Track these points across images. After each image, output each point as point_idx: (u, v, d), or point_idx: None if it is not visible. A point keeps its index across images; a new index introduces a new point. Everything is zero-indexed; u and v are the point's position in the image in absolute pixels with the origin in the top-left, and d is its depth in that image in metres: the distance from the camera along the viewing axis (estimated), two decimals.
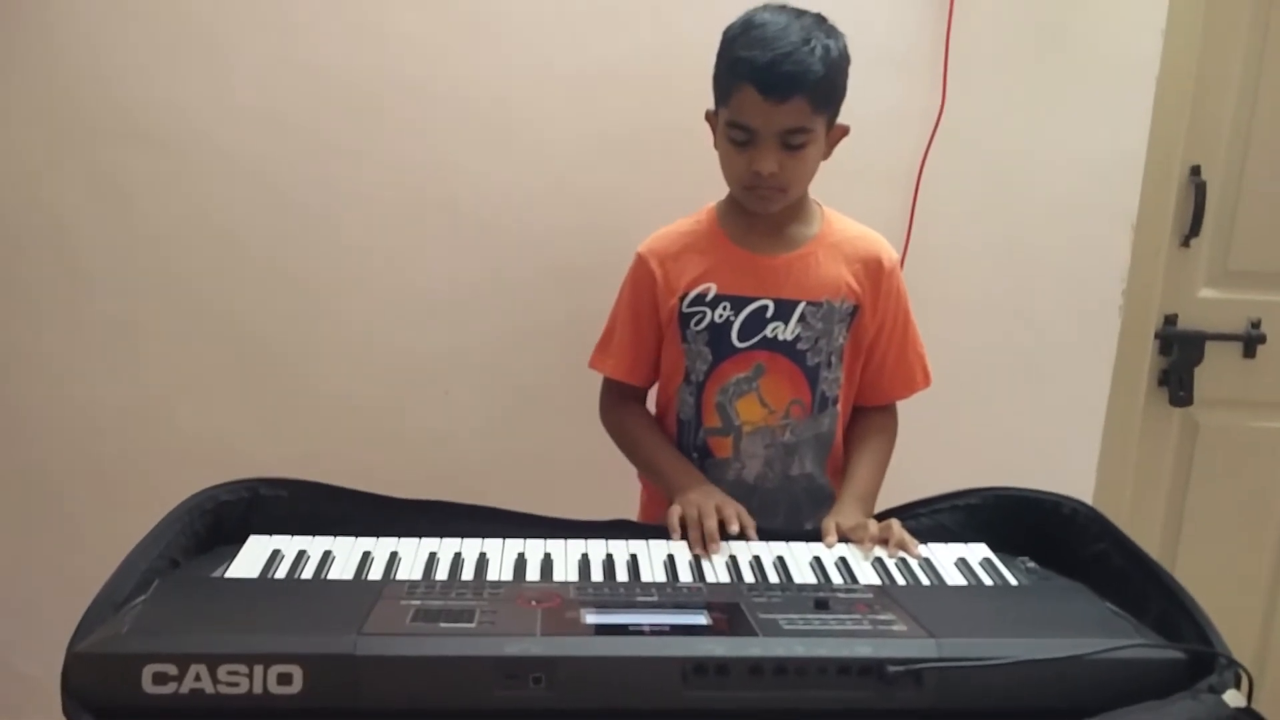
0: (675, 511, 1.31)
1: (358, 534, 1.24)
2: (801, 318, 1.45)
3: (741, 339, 1.46)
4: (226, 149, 1.82)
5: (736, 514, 1.31)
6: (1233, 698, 0.91)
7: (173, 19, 1.77)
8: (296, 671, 0.89)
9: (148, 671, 0.89)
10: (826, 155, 1.44)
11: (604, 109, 1.84)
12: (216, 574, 1.13)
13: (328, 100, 1.81)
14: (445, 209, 1.87)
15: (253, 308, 1.89)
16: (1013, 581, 1.18)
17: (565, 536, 1.25)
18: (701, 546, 1.25)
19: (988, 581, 1.18)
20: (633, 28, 1.81)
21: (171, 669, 0.89)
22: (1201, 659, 0.97)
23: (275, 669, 0.89)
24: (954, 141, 1.88)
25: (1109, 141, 1.93)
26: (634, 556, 1.22)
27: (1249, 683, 0.93)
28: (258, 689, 0.89)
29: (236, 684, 0.89)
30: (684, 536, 1.28)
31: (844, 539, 1.29)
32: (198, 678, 0.89)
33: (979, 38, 1.86)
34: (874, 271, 1.49)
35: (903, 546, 1.25)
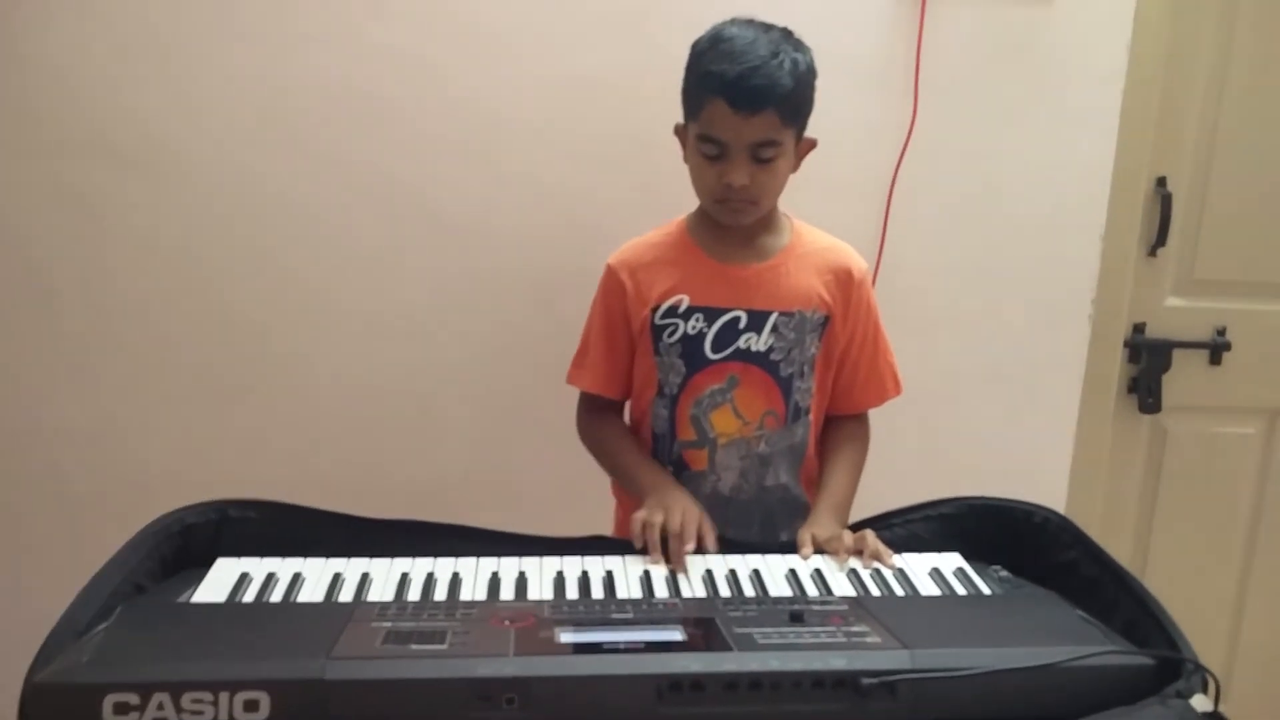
0: (637, 519, 1.30)
1: (329, 555, 1.22)
2: (774, 328, 1.45)
3: (715, 350, 1.46)
4: (196, 163, 1.80)
5: (697, 529, 1.29)
6: (1200, 702, 0.91)
7: (142, 30, 1.75)
8: (264, 698, 0.87)
9: (109, 702, 0.87)
10: (795, 168, 1.44)
11: (586, 119, 1.84)
12: (182, 599, 1.11)
13: (302, 111, 1.80)
14: (424, 220, 1.86)
15: (224, 323, 1.87)
16: (985, 591, 1.18)
17: (540, 554, 1.24)
18: (660, 556, 1.24)
19: (961, 591, 1.18)
20: (614, 39, 1.82)
21: (133, 698, 0.87)
22: (1170, 665, 0.97)
23: (241, 696, 0.87)
24: (926, 154, 1.90)
25: (1077, 153, 1.96)
26: (609, 573, 1.21)
27: (1216, 687, 0.94)
28: (223, 717, 0.87)
29: (201, 712, 0.87)
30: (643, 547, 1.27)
31: (819, 550, 1.29)
32: (160, 707, 0.87)
33: (950, 51, 1.88)
34: (844, 282, 1.49)
35: (877, 557, 1.25)
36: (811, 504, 1.53)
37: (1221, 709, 0.93)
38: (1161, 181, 2.07)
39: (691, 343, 1.46)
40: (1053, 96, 1.93)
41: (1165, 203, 2.06)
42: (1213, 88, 2.05)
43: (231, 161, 1.81)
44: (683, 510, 1.32)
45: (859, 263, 1.52)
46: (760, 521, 1.51)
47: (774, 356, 1.46)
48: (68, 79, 1.76)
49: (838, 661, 0.93)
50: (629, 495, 1.52)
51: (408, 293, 1.89)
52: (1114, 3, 1.91)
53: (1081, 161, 1.96)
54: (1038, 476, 2.04)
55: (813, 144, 1.45)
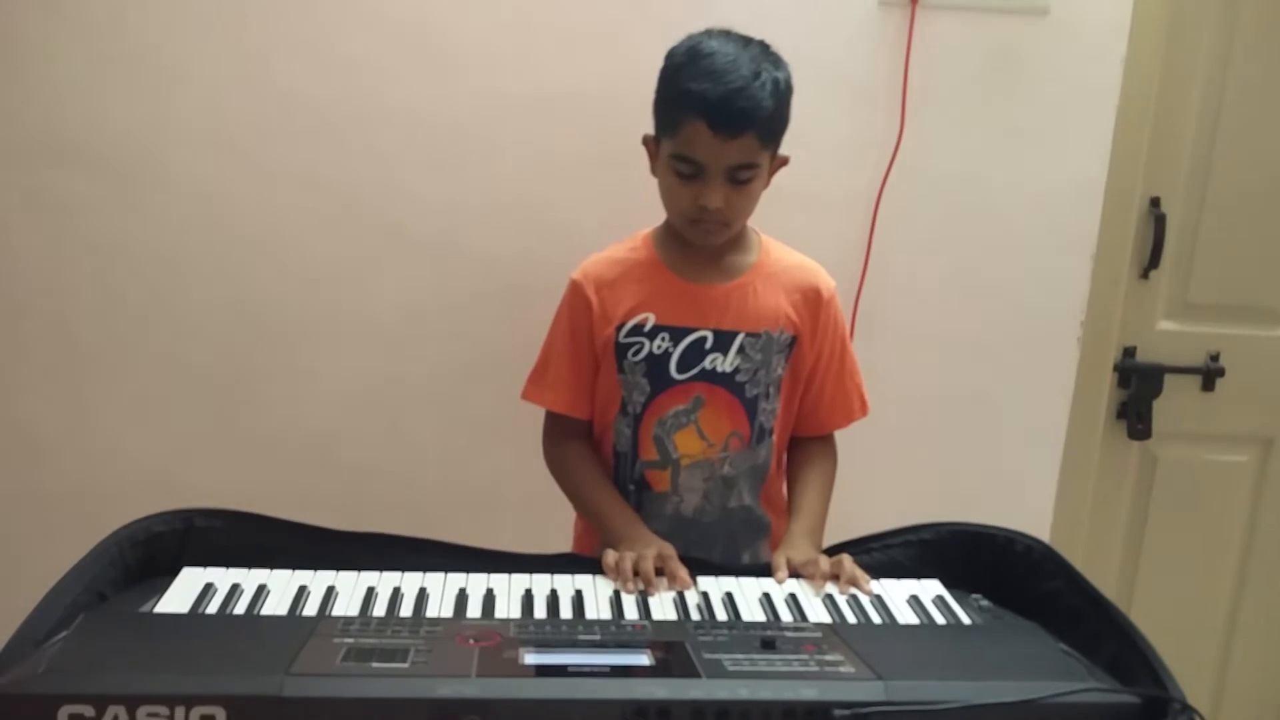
0: (611, 554, 1.26)
1: (295, 566, 1.20)
2: (740, 349, 1.43)
3: (680, 370, 1.44)
4: (170, 170, 1.80)
5: (677, 571, 1.24)
6: None
7: (116, 38, 1.75)
8: (220, 713, 0.86)
9: (64, 713, 0.85)
10: (765, 185, 1.42)
11: (555, 133, 1.83)
12: (145, 609, 1.09)
13: (274, 122, 1.79)
14: (393, 233, 1.85)
15: (196, 332, 1.86)
16: (965, 620, 1.17)
17: (510, 570, 1.22)
18: (632, 585, 1.21)
19: (940, 620, 1.16)
20: (585, 52, 1.80)
21: (89, 710, 0.85)
22: (1156, 703, 0.96)
23: (198, 710, 0.86)
24: (912, 170, 1.88)
25: (1069, 171, 1.93)
26: (579, 592, 1.19)
27: None
28: None
29: None
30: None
31: (795, 575, 1.27)
32: (116, 719, 0.85)
33: (939, 66, 1.86)
34: (812, 302, 1.47)
35: (854, 583, 1.23)
36: (773, 523, 1.52)
37: None
38: (1155, 202, 2.05)
39: (657, 362, 1.44)
40: (1044, 112, 1.90)
41: (1159, 223, 2.04)
42: (1209, 107, 2.03)
43: (199, 172, 1.80)
44: (657, 549, 1.28)
45: (827, 282, 1.50)
46: (723, 542, 1.49)
47: (740, 378, 1.44)
48: (38, 85, 1.76)
49: (809, 692, 0.91)
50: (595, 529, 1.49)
51: (377, 306, 1.88)
52: (1109, 18, 1.88)
53: (1073, 180, 1.93)
54: (1022, 503, 2.02)
55: (784, 161, 1.43)
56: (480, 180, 1.84)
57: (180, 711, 0.86)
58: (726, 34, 1.36)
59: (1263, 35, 2.00)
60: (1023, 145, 1.91)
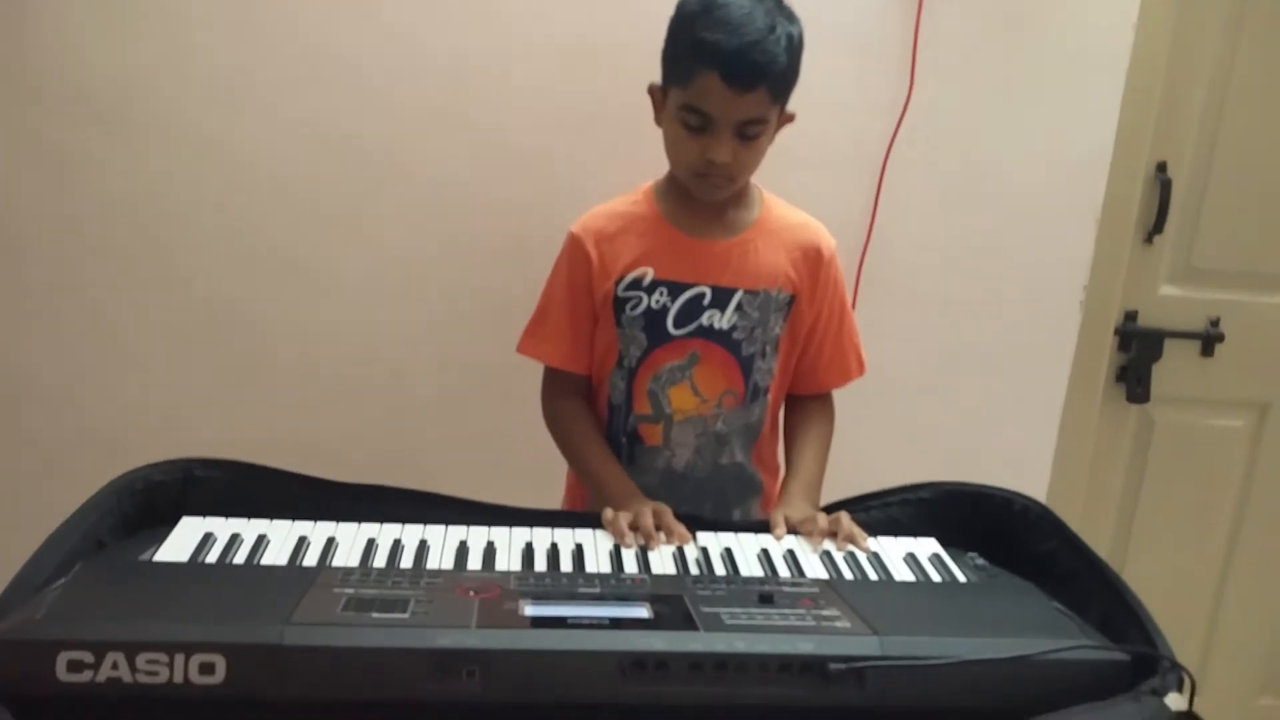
0: (610, 511, 1.26)
1: (295, 518, 1.20)
2: (738, 306, 1.43)
3: (677, 326, 1.43)
4: (167, 121, 1.78)
5: (673, 525, 1.25)
6: (1174, 700, 0.90)
7: None
8: (219, 661, 0.86)
9: (62, 659, 0.85)
10: (771, 141, 1.40)
11: (563, 82, 1.81)
12: (144, 557, 1.09)
13: (279, 73, 1.77)
14: (397, 184, 1.83)
15: (196, 281, 1.85)
16: (960, 578, 1.17)
17: (511, 524, 1.22)
18: (631, 540, 1.21)
19: (935, 578, 1.17)
20: (592, 1, 1.78)
21: (87, 656, 0.85)
22: (1145, 661, 0.96)
23: (197, 658, 0.86)
24: (920, 132, 1.87)
25: (1076, 136, 1.92)
26: (579, 546, 1.19)
27: (1191, 686, 0.92)
28: (178, 679, 0.85)
29: (155, 673, 0.85)
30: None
31: (793, 531, 1.27)
32: (115, 666, 0.85)
33: (949, 27, 1.84)
34: (813, 261, 1.47)
35: (851, 539, 1.23)
36: (765, 482, 1.52)
37: (1196, 704, 0.91)
38: (1162, 167, 2.04)
39: (654, 316, 1.43)
40: (1053, 76, 1.89)
41: (1165, 189, 2.03)
42: (1220, 71, 2.02)
43: (201, 121, 1.78)
44: (653, 509, 1.28)
45: (828, 241, 1.49)
46: (713, 498, 1.49)
47: (736, 335, 1.44)
48: (45, 34, 1.73)
49: (805, 646, 0.91)
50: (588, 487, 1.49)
51: (379, 256, 1.87)
52: None
53: (1080, 143, 1.92)
54: (1020, 463, 2.03)
55: (791, 117, 1.41)
56: (484, 130, 1.82)
57: (179, 659, 0.85)
58: None
59: (1274, 2, 1.98)
60: (1031, 109, 1.90)
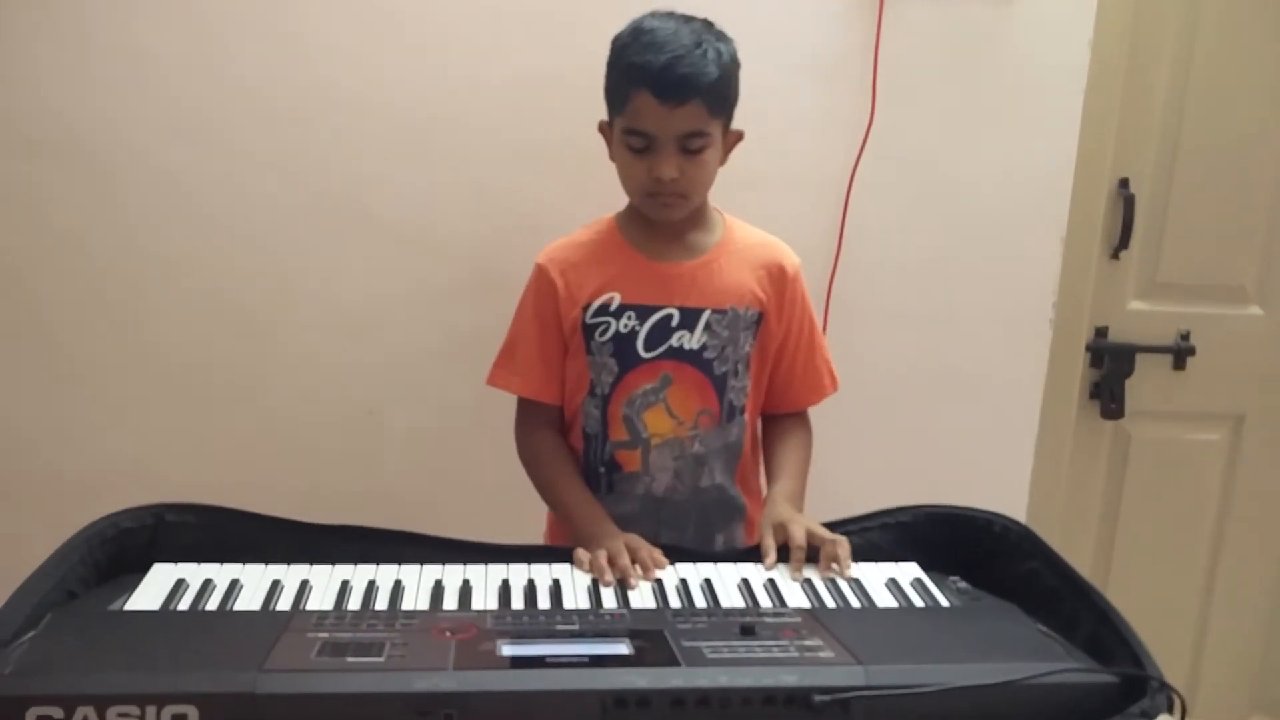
0: (582, 552, 1.24)
1: (268, 561, 1.18)
2: (707, 326, 1.43)
3: (647, 349, 1.43)
4: (140, 160, 1.76)
5: (649, 558, 1.24)
6: None
7: (87, 22, 1.71)
8: (192, 712, 0.84)
9: (31, 714, 0.84)
10: (723, 161, 1.42)
11: (528, 119, 1.81)
12: (115, 606, 1.08)
13: (245, 111, 1.76)
14: (365, 221, 1.82)
15: (167, 323, 1.83)
16: (944, 603, 1.17)
17: (486, 561, 1.21)
18: (609, 577, 1.20)
19: (918, 603, 1.16)
20: (556, 39, 1.78)
21: (57, 711, 0.84)
22: (1134, 682, 0.96)
23: (169, 709, 0.84)
24: (884, 152, 1.87)
25: (1039, 153, 1.93)
26: (556, 582, 1.18)
27: (1182, 707, 0.92)
28: None
29: None
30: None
31: (782, 536, 1.27)
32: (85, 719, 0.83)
33: (909, 48, 1.85)
34: (777, 278, 1.48)
35: (835, 561, 1.22)
36: (748, 506, 1.52)
37: None
38: (1124, 183, 2.06)
39: (624, 341, 1.43)
40: (1013, 95, 1.90)
41: (1128, 204, 2.05)
42: (1176, 88, 2.04)
43: (170, 162, 1.77)
44: (625, 542, 1.27)
45: (792, 258, 1.50)
46: (696, 522, 1.49)
47: (707, 355, 1.44)
48: (11, 71, 1.72)
49: (789, 678, 0.91)
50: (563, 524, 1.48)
51: (349, 293, 1.85)
52: (1076, 1, 1.88)
53: (1043, 161, 1.93)
54: (997, 484, 2.02)
55: (739, 136, 1.44)
56: (451, 167, 1.81)
57: (151, 711, 0.84)
58: (669, 14, 1.38)
59: (1227, 16, 2.01)
60: (993, 128, 1.91)
